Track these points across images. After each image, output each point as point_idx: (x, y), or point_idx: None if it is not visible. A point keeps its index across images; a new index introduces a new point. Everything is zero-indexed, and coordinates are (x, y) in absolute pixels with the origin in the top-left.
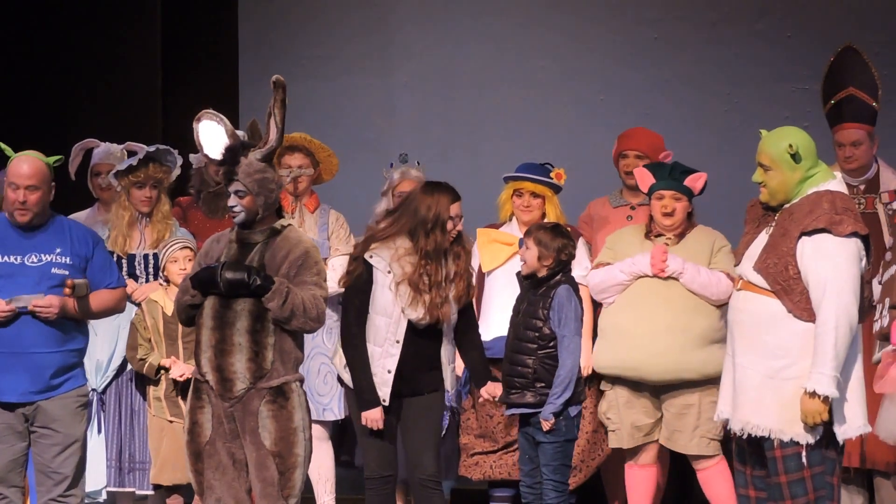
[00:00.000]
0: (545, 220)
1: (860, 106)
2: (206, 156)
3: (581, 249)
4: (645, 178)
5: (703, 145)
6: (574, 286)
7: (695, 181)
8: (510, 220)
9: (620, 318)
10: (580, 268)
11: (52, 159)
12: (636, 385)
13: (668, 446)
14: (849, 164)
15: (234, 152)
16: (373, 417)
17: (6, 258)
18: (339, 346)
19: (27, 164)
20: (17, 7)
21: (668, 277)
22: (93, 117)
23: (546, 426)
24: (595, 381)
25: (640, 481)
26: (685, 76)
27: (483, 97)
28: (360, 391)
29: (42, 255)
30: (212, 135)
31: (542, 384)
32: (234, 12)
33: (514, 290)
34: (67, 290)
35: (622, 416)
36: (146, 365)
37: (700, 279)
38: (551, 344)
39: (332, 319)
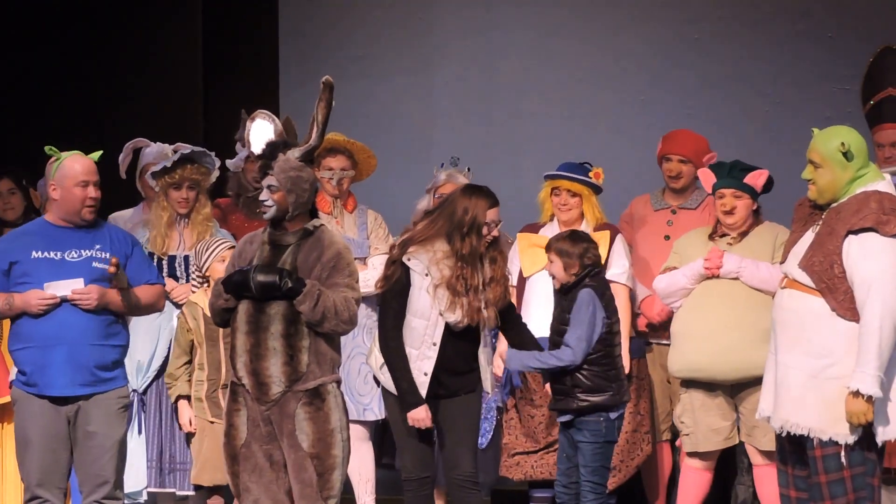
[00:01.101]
0: (571, 227)
1: None
2: (251, 152)
3: (619, 248)
4: (708, 179)
5: (744, 145)
6: (601, 289)
7: (755, 178)
8: (551, 220)
9: (687, 321)
10: (617, 266)
11: (94, 155)
12: (710, 387)
13: (749, 442)
14: (889, 165)
15: (274, 147)
16: (418, 417)
17: (46, 254)
18: (374, 346)
19: (91, 162)
20: (58, 6)
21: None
22: (134, 117)
23: (501, 361)
24: (633, 381)
25: (697, 483)
26: (727, 76)
27: (524, 96)
28: (403, 393)
29: (82, 251)
30: (261, 134)
31: (580, 390)
32: (275, 12)
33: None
34: (112, 269)
35: (697, 419)
36: (170, 389)
37: (760, 275)
38: None
39: (372, 319)
